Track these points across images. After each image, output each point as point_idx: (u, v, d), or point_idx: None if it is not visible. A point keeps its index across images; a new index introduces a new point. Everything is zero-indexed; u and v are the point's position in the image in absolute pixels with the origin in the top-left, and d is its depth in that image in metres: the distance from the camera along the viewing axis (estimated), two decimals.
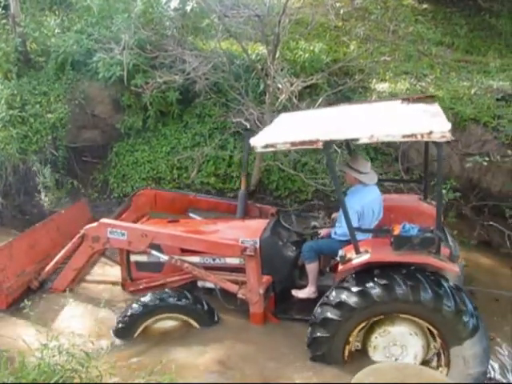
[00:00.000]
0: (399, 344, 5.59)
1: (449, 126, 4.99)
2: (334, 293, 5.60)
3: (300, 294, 6.56)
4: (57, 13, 10.87)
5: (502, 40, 12.21)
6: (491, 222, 8.71)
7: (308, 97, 9.58)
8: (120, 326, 6.29)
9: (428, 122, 5.32)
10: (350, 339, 5.64)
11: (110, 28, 9.74)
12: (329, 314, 5.53)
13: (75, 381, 4.64)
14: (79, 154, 10.24)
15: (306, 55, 9.64)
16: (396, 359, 5.60)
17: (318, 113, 7.06)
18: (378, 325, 5.64)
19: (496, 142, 9.03)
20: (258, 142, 5.58)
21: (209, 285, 6.83)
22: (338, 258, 5.81)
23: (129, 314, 6.27)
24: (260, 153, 7.91)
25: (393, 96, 9.71)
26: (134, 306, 6.29)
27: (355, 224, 5.88)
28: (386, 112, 6.18)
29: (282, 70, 8.78)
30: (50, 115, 9.64)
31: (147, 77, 9.42)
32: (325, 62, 9.88)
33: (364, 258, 5.55)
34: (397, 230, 5.63)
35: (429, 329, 5.52)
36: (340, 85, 9.49)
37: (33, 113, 9.72)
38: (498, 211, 8.87)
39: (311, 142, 5.37)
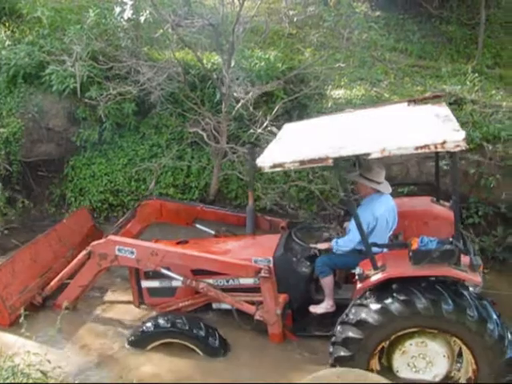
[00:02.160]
0: (424, 357, 5.50)
1: (463, 134, 4.85)
2: (353, 311, 5.48)
3: (318, 309, 6.47)
4: (7, 24, 10.63)
5: (452, 46, 12.49)
6: None
7: (264, 105, 9.60)
8: (132, 338, 6.34)
9: (440, 129, 5.18)
10: (373, 357, 5.52)
11: (62, 40, 9.58)
12: (350, 334, 5.40)
13: None
14: (34, 169, 10.04)
15: (262, 63, 9.64)
16: (422, 372, 5.54)
17: (323, 122, 6.73)
18: (400, 340, 5.53)
19: None
20: (265, 161, 5.40)
21: (224, 306, 6.74)
22: (354, 271, 5.71)
23: (140, 330, 6.28)
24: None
25: (348, 102, 9.88)
26: (148, 323, 6.28)
27: (358, 235, 5.74)
28: (394, 119, 5.99)
29: (237, 78, 8.75)
30: (2, 129, 9.44)
31: (102, 88, 9.31)
32: (280, 70, 9.89)
33: (383, 274, 5.42)
34: (415, 244, 5.47)
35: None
36: (296, 92, 9.51)
37: None
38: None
39: (320, 160, 5.19)
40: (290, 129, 6.74)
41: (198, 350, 6.22)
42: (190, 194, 9.72)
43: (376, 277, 5.44)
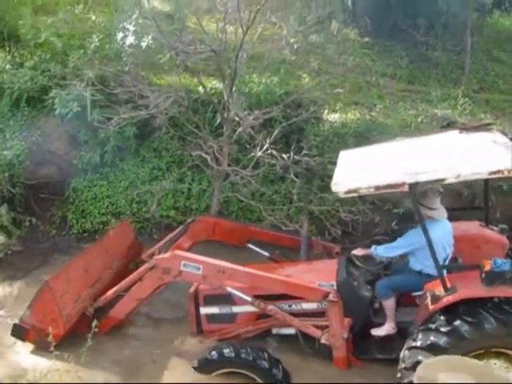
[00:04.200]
0: None
1: None
2: (421, 335, 5.51)
3: (380, 332, 6.53)
4: (7, 49, 10.76)
5: (439, 70, 12.86)
6: None
7: (263, 128, 9.83)
8: (197, 364, 6.24)
9: (506, 155, 5.31)
10: None
11: (65, 64, 9.74)
12: (420, 357, 5.34)
13: None
14: (36, 191, 10.10)
15: (261, 88, 9.92)
16: None
17: (381, 150, 6.73)
18: None
19: None
20: (339, 187, 5.50)
21: (284, 331, 6.77)
22: (414, 294, 5.92)
23: (205, 357, 6.19)
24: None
25: (343, 126, 10.19)
26: (213, 352, 6.17)
27: (406, 249, 6.10)
28: (454, 146, 6.08)
29: (240, 103, 8.97)
30: (6, 152, 9.50)
31: (105, 112, 9.48)
32: (278, 95, 10.18)
33: (455, 295, 5.45)
34: (488, 266, 5.49)
35: None
36: (294, 116, 9.77)
37: None
38: None
39: (397, 186, 5.30)
40: (348, 155, 6.78)
41: (259, 381, 6.14)
42: (190, 215, 9.79)
43: (448, 298, 5.46)
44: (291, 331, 6.71)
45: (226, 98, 9.06)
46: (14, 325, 6.58)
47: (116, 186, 10.03)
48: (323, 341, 6.31)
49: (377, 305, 6.80)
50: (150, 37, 9.39)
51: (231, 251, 7.64)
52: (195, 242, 7.80)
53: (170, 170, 10.08)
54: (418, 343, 5.48)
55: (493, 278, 5.39)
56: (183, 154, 10.11)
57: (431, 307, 5.55)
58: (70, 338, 6.61)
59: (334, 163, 9.68)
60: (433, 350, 5.35)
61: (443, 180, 5.23)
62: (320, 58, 9.63)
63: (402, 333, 6.29)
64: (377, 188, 5.35)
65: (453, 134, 6.49)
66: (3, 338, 6.94)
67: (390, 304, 6.43)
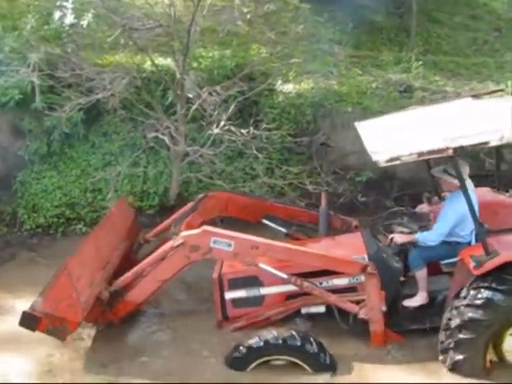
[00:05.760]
0: None
1: None
2: (473, 292, 5.47)
3: (413, 302, 6.49)
4: None
5: (384, 35, 12.83)
6: None
7: (217, 105, 9.47)
8: (235, 355, 5.84)
9: None
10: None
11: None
12: (474, 315, 5.39)
13: None
14: None
15: (213, 63, 9.53)
16: None
17: (404, 118, 6.60)
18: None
19: None
20: (379, 156, 5.35)
21: (313, 310, 6.50)
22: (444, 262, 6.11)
23: (247, 345, 5.79)
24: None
25: (299, 96, 9.96)
26: (254, 340, 5.77)
27: (448, 228, 6.02)
28: (481, 111, 6.05)
29: (196, 79, 8.58)
30: None
31: (49, 98, 8.88)
32: (230, 68, 9.83)
33: (500, 257, 5.43)
34: None
35: None
36: (248, 90, 9.45)
37: None
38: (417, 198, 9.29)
39: (440, 151, 5.21)
40: (369, 126, 6.54)
41: (308, 368, 5.83)
42: (149, 200, 9.47)
43: (493, 261, 5.43)
44: (321, 309, 6.49)
45: (178, 75, 8.67)
46: (24, 313, 5.73)
47: (67, 176, 9.47)
48: (361, 315, 6.14)
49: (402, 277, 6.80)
50: (90, 14, 8.82)
51: (244, 228, 6.98)
52: (206, 219, 7.23)
53: (123, 154, 9.53)
54: (471, 301, 5.47)
55: None
56: (135, 137, 9.59)
57: (476, 271, 5.50)
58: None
59: (293, 135, 9.77)
60: (488, 307, 5.39)
61: (487, 143, 5.25)
62: (273, 27, 9.25)
63: (432, 302, 6.38)
64: (420, 154, 5.27)
65: (468, 101, 6.44)
66: None
67: (422, 274, 6.42)
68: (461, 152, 5.41)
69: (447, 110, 6.41)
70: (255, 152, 8.95)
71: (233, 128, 8.78)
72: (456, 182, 6.01)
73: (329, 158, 9.85)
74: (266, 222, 7.63)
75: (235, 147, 9.25)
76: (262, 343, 5.75)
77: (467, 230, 6.12)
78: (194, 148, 8.86)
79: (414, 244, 6.44)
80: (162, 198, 9.50)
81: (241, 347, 5.85)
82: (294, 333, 5.81)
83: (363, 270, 6.10)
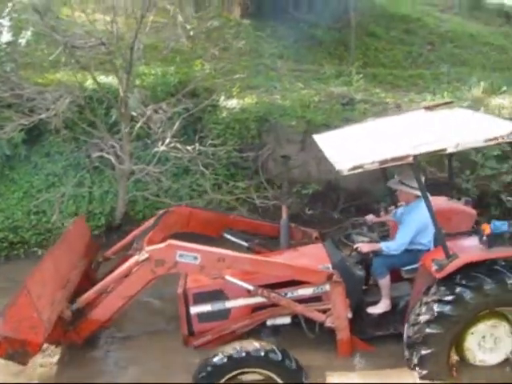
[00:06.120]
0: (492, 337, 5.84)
1: None
2: (424, 309, 5.66)
3: (377, 309, 6.58)
4: None
5: (323, 49, 13.05)
6: None
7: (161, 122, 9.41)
8: (201, 375, 5.54)
9: (491, 124, 5.77)
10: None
11: None
12: (446, 310, 5.55)
13: None
14: None
15: (156, 80, 9.49)
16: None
17: (361, 129, 6.78)
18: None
19: None
20: (342, 165, 5.40)
21: (279, 321, 6.53)
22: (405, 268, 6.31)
23: (211, 364, 5.53)
24: None
25: (243, 111, 10.01)
26: (217, 357, 5.53)
27: (409, 238, 6.21)
28: (435, 121, 6.34)
29: (140, 97, 8.52)
30: None
31: None
32: (173, 84, 9.82)
33: (460, 260, 5.61)
34: (487, 229, 5.74)
35: None
36: (194, 106, 9.44)
37: None
38: (363, 209, 9.47)
39: (401, 158, 5.33)
40: (327, 138, 6.68)
41: (276, 378, 5.65)
42: (95, 221, 9.26)
43: (452, 264, 5.61)
44: (286, 321, 6.54)
45: (122, 93, 8.58)
46: None
47: (9, 199, 9.20)
48: (328, 324, 6.23)
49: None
50: (29, 32, 8.66)
51: (205, 244, 6.79)
52: (167, 235, 7.10)
53: (67, 175, 9.38)
54: (441, 297, 5.65)
55: (494, 240, 5.70)
56: (79, 156, 9.45)
57: (438, 275, 5.69)
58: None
59: (239, 150, 9.81)
60: (442, 320, 5.59)
61: (445, 150, 5.42)
62: (216, 43, 9.29)
63: (394, 308, 6.56)
64: (382, 162, 5.38)
65: (421, 113, 6.73)
66: None
67: (386, 282, 6.54)
68: (420, 159, 5.61)
69: (403, 121, 6.68)
70: (202, 168, 8.94)
71: (178, 145, 8.74)
72: (412, 191, 6.27)
73: (273, 172, 9.92)
74: (227, 236, 7.67)
75: (181, 164, 9.25)
76: (226, 359, 5.55)
77: (427, 238, 6.38)
78: (139, 166, 8.77)
79: (376, 253, 6.58)
80: (109, 218, 9.34)
81: (204, 367, 5.61)
82: (255, 343, 5.66)
83: (329, 278, 6.18)
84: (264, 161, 9.97)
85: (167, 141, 8.66)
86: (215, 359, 5.56)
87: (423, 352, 5.69)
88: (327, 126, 9.66)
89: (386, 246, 6.43)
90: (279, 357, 5.59)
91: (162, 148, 8.70)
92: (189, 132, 9.72)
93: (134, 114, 8.79)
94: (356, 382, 6.04)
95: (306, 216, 9.67)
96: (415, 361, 5.80)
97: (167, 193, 9.49)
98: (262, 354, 5.57)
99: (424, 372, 5.76)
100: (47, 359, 6.36)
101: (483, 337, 5.87)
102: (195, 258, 6.09)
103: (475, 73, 12.48)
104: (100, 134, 8.94)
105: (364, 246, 6.57)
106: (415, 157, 5.37)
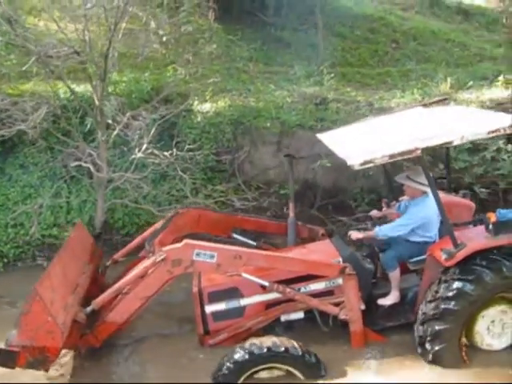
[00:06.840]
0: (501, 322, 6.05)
1: None
2: (443, 285, 5.80)
3: (387, 301, 6.71)
4: None
5: (292, 50, 13.17)
6: (340, 218, 9.44)
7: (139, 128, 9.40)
8: (222, 372, 5.62)
9: (492, 117, 5.99)
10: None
11: None
12: (466, 288, 5.69)
13: None
14: None
15: (130, 87, 9.47)
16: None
17: (368, 127, 6.95)
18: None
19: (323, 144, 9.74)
20: (353, 160, 5.51)
21: (293, 316, 6.59)
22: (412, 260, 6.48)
23: (232, 360, 5.61)
24: None
25: (217, 115, 10.05)
26: (238, 353, 5.62)
27: (408, 226, 6.38)
28: (436, 116, 6.57)
29: (117, 105, 8.49)
30: None
31: None
32: (147, 91, 9.82)
33: (468, 248, 5.76)
34: (493, 218, 5.93)
35: None
36: (168, 113, 9.46)
37: None
38: (340, 206, 9.62)
39: (410, 152, 5.46)
40: (332, 136, 6.86)
41: (297, 373, 5.81)
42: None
43: (461, 252, 5.77)
44: (300, 315, 6.63)
45: (97, 101, 8.55)
46: (0, 350, 5.42)
47: None
48: (342, 316, 6.35)
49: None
50: None
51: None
52: (178, 237, 7.19)
53: (44, 186, 9.31)
54: (444, 293, 5.82)
55: (500, 227, 5.87)
56: (55, 166, 9.39)
57: (447, 263, 5.85)
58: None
59: (215, 154, 9.86)
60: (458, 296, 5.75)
61: (451, 142, 5.60)
62: (189, 49, 9.32)
63: (403, 299, 6.72)
64: (391, 156, 5.51)
65: (420, 110, 6.97)
66: None
67: (396, 274, 6.68)
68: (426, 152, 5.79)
69: (403, 118, 6.88)
70: (180, 173, 8.96)
71: (155, 151, 8.76)
72: (420, 187, 6.46)
73: (249, 174, 10.00)
74: (235, 236, 7.83)
75: (159, 170, 9.24)
76: (248, 355, 5.67)
77: (433, 231, 6.56)
78: (118, 174, 8.74)
79: (386, 245, 6.79)
80: (88, 227, 9.20)
81: (224, 364, 5.72)
82: (275, 339, 5.81)
83: (342, 271, 6.31)
84: (240, 163, 10.04)
85: (144, 147, 8.66)
86: (236, 356, 5.67)
87: (437, 327, 5.83)
88: (302, 127, 9.90)
89: (380, 229, 6.59)
90: (299, 351, 5.76)
91: (139, 155, 8.68)
92: (165, 138, 9.70)
93: (109, 121, 8.77)
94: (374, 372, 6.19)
95: (285, 216, 9.76)
96: (430, 357, 5.92)
97: (146, 199, 9.47)
98: (283, 349, 5.72)
99: (436, 348, 5.87)
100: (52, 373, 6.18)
101: (492, 321, 6.06)
102: (212, 256, 6.16)
103: (440, 69, 12.68)
104: (75, 143, 8.89)
105: (355, 234, 6.75)
106: (423, 150, 5.54)
